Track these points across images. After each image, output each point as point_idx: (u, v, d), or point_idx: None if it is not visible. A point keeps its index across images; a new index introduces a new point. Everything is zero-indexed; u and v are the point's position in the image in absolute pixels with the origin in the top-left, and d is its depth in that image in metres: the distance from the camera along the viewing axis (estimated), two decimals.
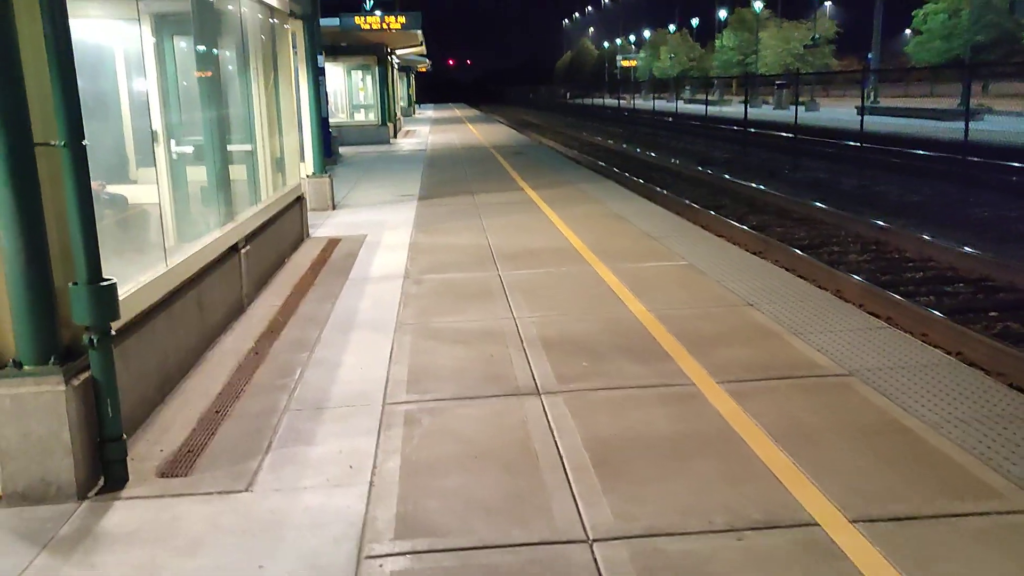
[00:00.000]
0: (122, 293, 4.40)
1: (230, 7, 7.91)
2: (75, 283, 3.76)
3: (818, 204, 15.23)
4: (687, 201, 16.17)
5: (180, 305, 5.35)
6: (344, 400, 4.96)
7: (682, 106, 53.33)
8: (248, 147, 8.46)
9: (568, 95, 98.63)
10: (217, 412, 4.81)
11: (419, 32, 27.23)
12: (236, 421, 4.69)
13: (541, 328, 6.24)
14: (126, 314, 4.32)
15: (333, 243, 10.11)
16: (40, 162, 3.66)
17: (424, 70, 66.19)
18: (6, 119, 3.49)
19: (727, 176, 20.66)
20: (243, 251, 7.04)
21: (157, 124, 7.45)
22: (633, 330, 6.13)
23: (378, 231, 10.79)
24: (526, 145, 27.25)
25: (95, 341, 3.77)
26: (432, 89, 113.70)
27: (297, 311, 7.00)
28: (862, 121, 24.62)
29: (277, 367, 5.59)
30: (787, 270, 8.73)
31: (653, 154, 28.55)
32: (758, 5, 68.47)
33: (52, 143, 3.65)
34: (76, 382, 3.77)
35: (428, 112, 65.20)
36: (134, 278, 4.77)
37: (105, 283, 3.78)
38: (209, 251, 6.13)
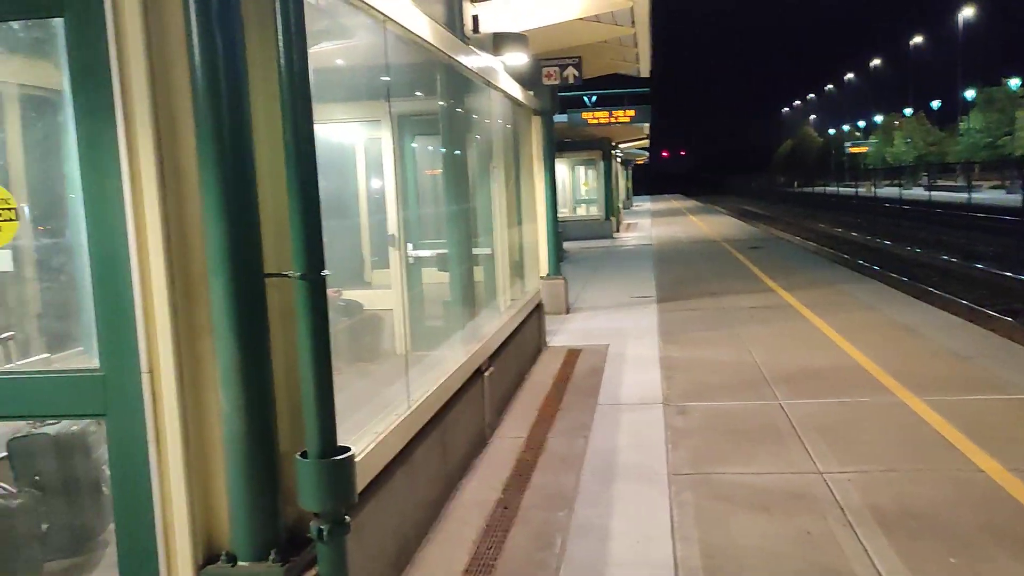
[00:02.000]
0: (358, 451, 3.52)
1: (478, 105, 7.29)
2: (303, 454, 2.88)
3: None
4: (988, 310, 13.72)
5: (422, 451, 4.43)
6: None
7: (920, 193, 49.03)
8: (488, 250, 7.72)
9: (793, 183, 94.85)
10: None
11: (646, 125, 26.60)
12: None
13: (864, 491, 4.76)
14: (361, 479, 3.41)
15: (573, 355, 9.10)
16: (270, 294, 2.86)
17: (642, 162, 65.95)
18: (234, 247, 2.72)
19: (1010, 274, 17.83)
20: (487, 373, 6.14)
21: (394, 227, 6.83)
22: (998, 502, 4.51)
23: (620, 341, 9.67)
24: (759, 238, 25.48)
25: (325, 533, 2.84)
26: (648, 181, 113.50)
27: (545, 447, 5.94)
28: None
29: (532, 532, 4.50)
30: None
31: (908, 248, 25.72)
32: (1014, 82, 62.62)
33: (287, 274, 2.84)
34: None
35: (646, 204, 64.56)
36: (370, 427, 3.89)
37: (341, 456, 2.87)
38: (455, 379, 5.24)
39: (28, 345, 4.68)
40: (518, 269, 8.89)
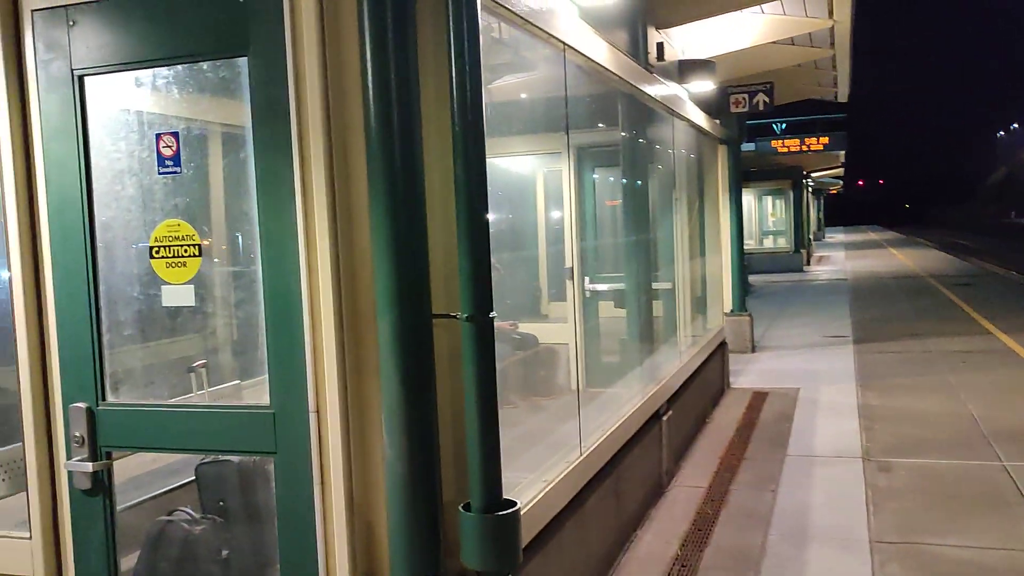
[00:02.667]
0: (526, 501, 3.33)
1: (661, 134, 7.02)
2: (466, 506, 2.72)
3: None
4: None
5: (594, 501, 4.19)
6: None
7: None
8: (668, 284, 7.39)
9: (1009, 214, 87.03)
10: None
11: (841, 153, 25.19)
12: None
13: None
14: (527, 531, 3.22)
15: (759, 398, 8.54)
16: (439, 336, 2.74)
17: (835, 191, 62.66)
18: (402, 286, 2.62)
19: None
20: (665, 417, 5.81)
21: (571, 259, 6.67)
22: None
23: (812, 384, 9.00)
24: (970, 273, 23.34)
25: None
26: (841, 211, 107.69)
27: (728, 500, 5.52)
28: None
29: None
30: None
31: None
32: None
33: (454, 315, 2.71)
34: None
35: (838, 236, 61.26)
36: (540, 474, 3.69)
37: (505, 512, 2.69)
38: (631, 423, 4.97)
39: (221, 372, 4.85)
40: (700, 304, 8.49)
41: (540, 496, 3.47)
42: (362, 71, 2.64)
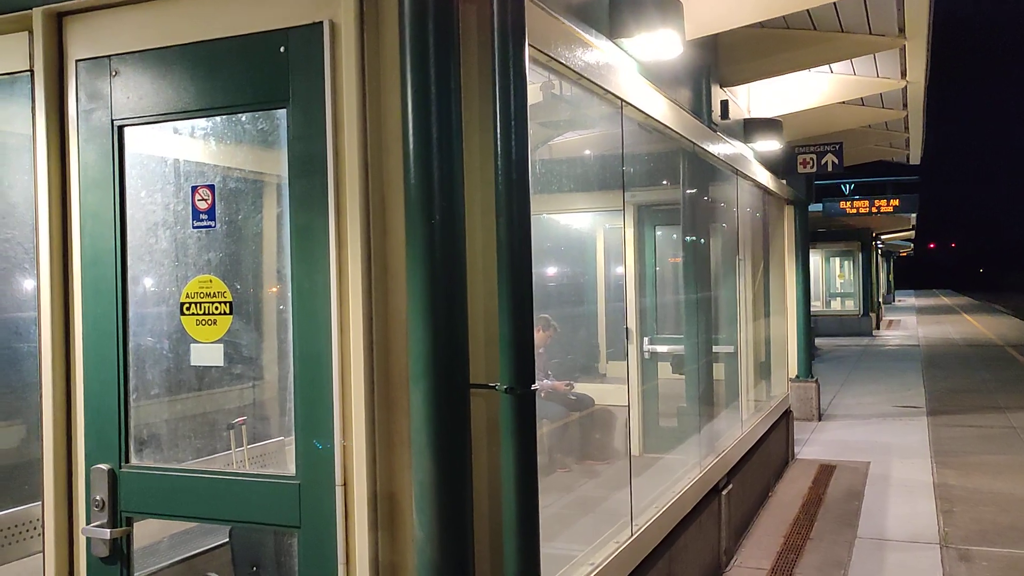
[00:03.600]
0: None
1: (725, 194, 6.79)
2: None
3: None
4: None
5: None
6: None
7: None
8: (731, 348, 7.07)
9: None
10: None
11: (912, 216, 24.48)
12: None
13: None
14: None
15: (826, 471, 8.08)
16: (476, 406, 2.54)
17: (905, 254, 61.07)
18: (439, 353, 2.43)
19: None
20: (725, 492, 5.46)
21: (630, 320, 6.42)
22: None
23: (883, 458, 8.49)
24: None
25: None
26: (911, 274, 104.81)
27: None
28: None
29: None
30: None
31: None
32: None
33: (492, 386, 2.51)
34: None
35: (909, 299, 59.49)
36: (585, 554, 3.43)
37: None
38: (689, 498, 4.65)
39: (264, 429, 4.71)
40: (764, 369, 8.12)
41: None
42: (403, 125, 2.50)
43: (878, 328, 27.98)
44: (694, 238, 6.03)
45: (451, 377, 2.47)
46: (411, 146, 2.48)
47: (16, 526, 3.79)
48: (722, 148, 5.92)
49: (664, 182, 5.92)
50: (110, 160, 2.87)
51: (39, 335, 2.94)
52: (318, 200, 2.59)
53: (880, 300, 33.64)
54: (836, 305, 28.11)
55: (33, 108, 2.94)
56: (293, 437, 2.67)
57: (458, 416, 2.48)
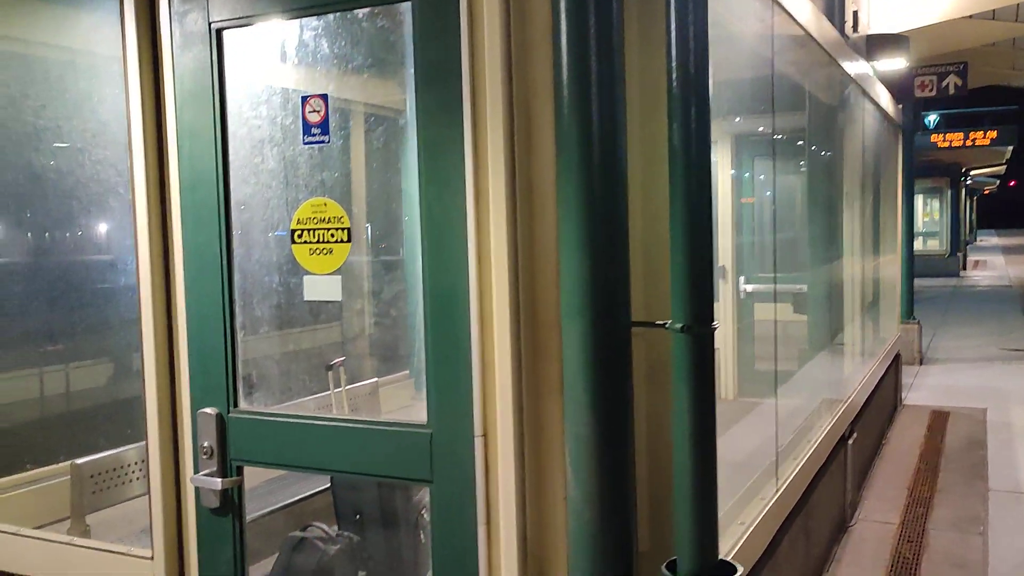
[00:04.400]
0: (725, 551, 2.72)
1: (846, 118, 6.20)
2: (670, 565, 2.14)
3: None
4: None
5: (786, 545, 3.53)
6: None
7: None
8: (845, 287, 6.56)
9: None
10: None
11: (1007, 149, 23.09)
12: None
13: None
14: None
15: (939, 418, 7.57)
16: (635, 348, 2.17)
17: (987, 192, 58.32)
18: (597, 287, 2.06)
19: None
20: (851, 441, 5.05)
21: (725, 258, 5.95)
22: None
23: (1001, 405, 7.93)
24: None
25: None
26: (992, 213, 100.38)
27: (927, 542, 4.72)
28: None
29: None
30: None
31: None
32: None
33: (661, 324, 2.13)
34: None
35: (991, 239, 57.06)
36: (729, 512, 3.07)
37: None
38: (823, 448, 4.26)
39: (359, 368, 4.47)
40: (876, 310, 7.58)
41: (740, 544, 2.85)
42: (553, 16, 2.09)
43: (964, 268, 26.78)
44: (811, 167, 5.51)
45: (613, 314, 2.10)
46: (563, 40, 2.08)
47: (112, 470, 3.61)
48: (854, 65, 5.35)
49: (783, 105, 5.38)
50: (208, 69, 2.53)
51: (136, 267, 2.66)
52: (451, 110, 2.22)
53: (966, 240, 32.21)
54: (919, 244, 26.96)
55: (121, 11, 2.62)
56: (424, 379, 2.35)
57: (621, 359, 2.12)
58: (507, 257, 2.18)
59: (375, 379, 4.71)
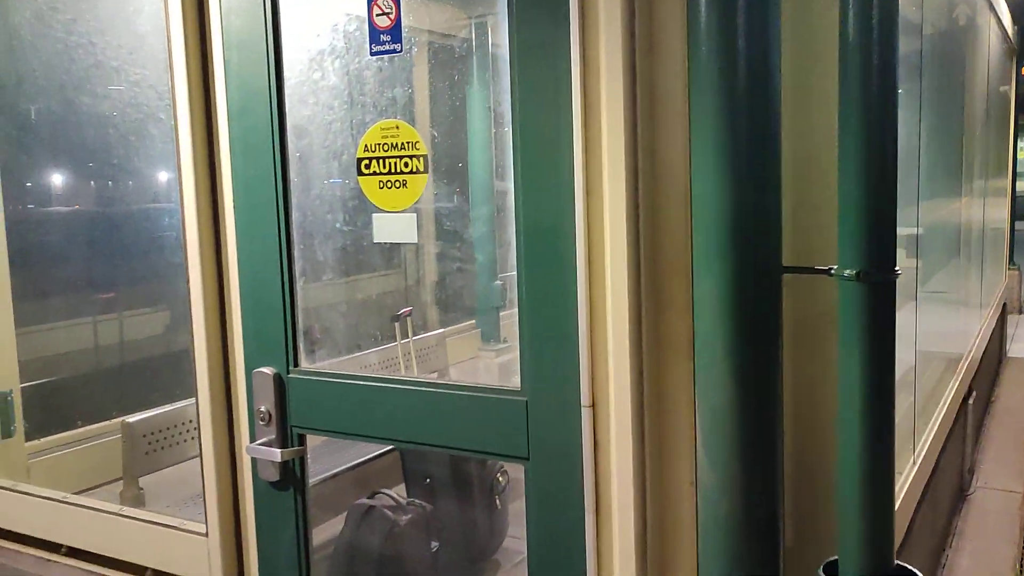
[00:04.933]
0: None
1: (969, 38, 5.53)
2: (829, 567, 1.72)
3: None
4: None
5: (918, 521, 3.08)
6: None
7: None
8: (955, 228, 5.95)
9: None
10: None
11: None
12: None
13: None
14: None
15: None
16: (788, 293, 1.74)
17: None
18: (740, 224, 1.62)
19: None
20: (970, 402, 4.53)
21: None
22: None
23: None
24: None
25: None
26: None
27: None
28: None
29: None
30: None
31: None
32: None
33: (826, 270, 1.68)
34: None
35: None
36: None
37: None
38: (950, 410, 3.77)
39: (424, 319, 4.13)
40: (986, 255, 6.94)
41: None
42: None
43: None
44: (928, 96, 4.89)
45: (762, 256, 1.66)
46: None
47: (166, 428, 3.32)
48: None
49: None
50: None
51: (181, 206, 2.30)
52: (553, 2, 1.78)
53: None
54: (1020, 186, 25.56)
55: None
56: (517, 337, 1.95)
57: (771, 313, 1.69)
58: (625, 185, 1.74)
59: (441, 330, 4.37)
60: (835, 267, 1.64)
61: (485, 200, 3.22)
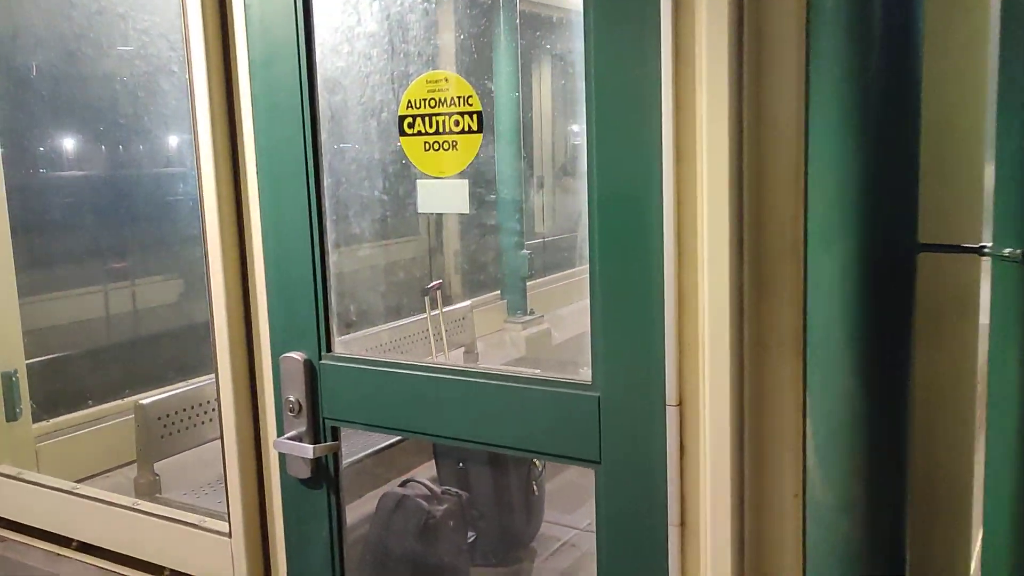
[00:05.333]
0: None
1: None
2: None
3: None
4: None
5: None
6: None
7: None
8: None
9: None
10: None
11: None
12: None
13: None
14: None
15: None
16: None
17: None
18: (866, 195, 1.34)
19: None
20: None
21: None
22: None
23: None
24: None
25: None
26: None
27: None
28: None
29: None
30: None
31: None
32: None
33: (980, 248, 1.40)
34: None
35: None
36: None
37: None
38: None
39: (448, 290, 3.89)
40: None
41: None
42: None
43: None
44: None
45: (894, 233, 1.39)
46: None
47: (183, 410, 3.09)
48: None
49: None
50: None
51: (198, 167, 2.03)
52: None
53: None
54: None
55: None
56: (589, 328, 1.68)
57: (904, 301, 1.42)
58: (728, 146, 1.46)
59: (468, 302, 4.13)
60: (989, 245, 1.36)
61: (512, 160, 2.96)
